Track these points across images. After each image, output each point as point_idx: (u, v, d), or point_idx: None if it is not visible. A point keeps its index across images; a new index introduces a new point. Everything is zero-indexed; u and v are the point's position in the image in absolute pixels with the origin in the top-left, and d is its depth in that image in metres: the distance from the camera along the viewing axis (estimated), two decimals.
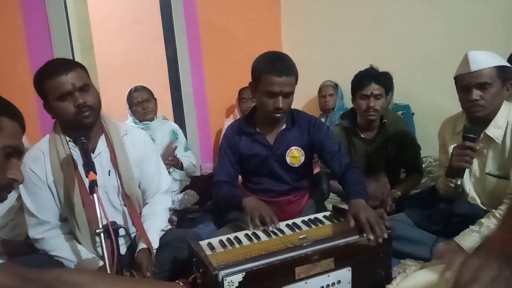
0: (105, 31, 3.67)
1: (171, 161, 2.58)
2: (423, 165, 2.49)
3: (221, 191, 1.82)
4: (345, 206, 1.63)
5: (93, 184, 1.28)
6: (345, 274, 1.33)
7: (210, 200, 2.71)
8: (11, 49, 2.45)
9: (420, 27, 2.93)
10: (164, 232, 1.73)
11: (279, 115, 1.73)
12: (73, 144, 1.57)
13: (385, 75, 2.21)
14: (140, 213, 1.73)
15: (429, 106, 2.91)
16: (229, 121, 3.25)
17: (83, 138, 1.42)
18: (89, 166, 1.33)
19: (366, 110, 2.13)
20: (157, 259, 1.55)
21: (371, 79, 2.14)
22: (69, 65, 1.53)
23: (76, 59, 2.70)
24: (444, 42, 2.78)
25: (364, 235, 1.36)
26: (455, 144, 1.73)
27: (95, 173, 1.32)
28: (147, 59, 3.58)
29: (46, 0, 2.50)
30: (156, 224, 1.69)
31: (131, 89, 2.85)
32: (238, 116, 3.19)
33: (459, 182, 1.66)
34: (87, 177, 1.31)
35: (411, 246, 1.75)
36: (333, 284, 1.31)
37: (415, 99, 2.99)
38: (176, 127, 2.99)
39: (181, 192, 2.72)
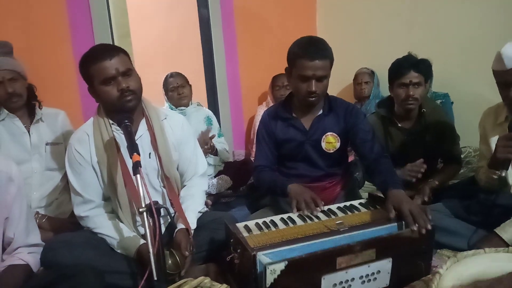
0: (142, 19, 3.74)
1: (207, 149, 2.63)
2: (462, 156, 2.42)
3: (262, 176, 1.85)
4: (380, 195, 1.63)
5: (137, 165, 1.31)
6: (385, 264, 1.32)
7: (243, 185, 2.76)
8: (55, 36, 2.55)
9: (460, 12, 2.82)
10: (201, 213, 1.78)
11: (312, 99, 1.74)
12: (116, 127, 1.64)
13: (425, 63, 2.15)
14: (178, 194, 1.78)
15: (469, 95, 2.81)
16: (262, 109, 3.27)
17: (126, 121, 1.47)
18: (133, 148, 1.37)
19: (405, 99, 2.09)
20: (194, 240, 1.59)
21: (410, 67, 2.09)
22: (113, 50, 1.58)
23: None
24: (486, 27, 2.67)
25: (405, 227, 1.35)
26: (497, 135, 1.67)
27: (139, 154, 1.36)
28: (182, 46, 3.63)
29: None
30: (193, 206, 1.74)
31: (167, 75, 2.91)
32: (271, 104, 3.19)
33: (503, 174, 1.61)
34: (131, 158, 1.35)
35: (449, 236, 1.72)
36: (373, 274, 1.31)
37: (455, 88, 2.89)
38: (210, 113, 3.04)
39: (215, 177, 2.77)
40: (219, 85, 3.33)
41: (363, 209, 1.54)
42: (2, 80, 2.00)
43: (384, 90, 3.24)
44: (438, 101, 2.80)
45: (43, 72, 2.38)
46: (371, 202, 1.61)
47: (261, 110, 3.26)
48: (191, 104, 2.95)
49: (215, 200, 2.64)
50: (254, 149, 3.19)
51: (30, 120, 2.14)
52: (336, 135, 1.82)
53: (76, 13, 2.59)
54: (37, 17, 2.46)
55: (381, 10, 3.33)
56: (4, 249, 1.42)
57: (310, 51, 1.67)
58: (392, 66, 2.17)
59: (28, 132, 2.12)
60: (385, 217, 1.45)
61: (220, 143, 2.96)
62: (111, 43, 2.74)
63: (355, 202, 1.61)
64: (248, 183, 2.74)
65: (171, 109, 2.84)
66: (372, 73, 3.27)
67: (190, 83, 2.95)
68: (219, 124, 3.20)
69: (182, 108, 2.87)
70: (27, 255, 1.42)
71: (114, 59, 1.54)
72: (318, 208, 1.52)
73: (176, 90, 2.85)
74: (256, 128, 3.21)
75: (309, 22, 3.69)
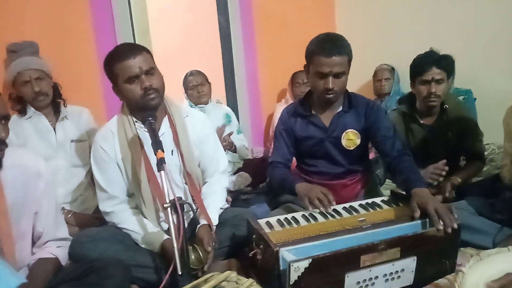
0: (161, 17, 3.78)
1: (225, 145, 2.65)
2: (486, 153, 2.38)
3: (275, 172, 1.87)
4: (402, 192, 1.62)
5: (161, 161, 1.34)
6: (410, 263, 1.32)
7: (263, 182, 2.77)
8: (79, 36, 2.60)
9: (484, 6, 2.76)
10: (223, 210, 1.80)
11: (330, 95, 1.73)
12: (140, 125, 1.67)
13: (447, 59, 2.11)
14: (200, 191, 1.81)
15: (493, 91, 2.75)
16: (280, 106, 3.27)
17: (150, 118, 1.50)
18: (157, 145, 1.40)
19: (427, 95, 2.06)
20: (216, 236, 1.61)
21: (432, 63, 2.05)
22: (137, 49, 1.61)
23: None
24: (510, 22, 2.60)
25: (429, 225, 1.34)
26: None
27: (163, 151, 1.38)
28: (201, 44, 3.65)
29: None
30: (215, 202, 1.76)
31: (186, 74, 2.95)
32: (290, 101, 3.19)
33: None
34: (155, 155, 1.37)
35: (473, 234, 1.69)
36: (397, 272, 1.31)
37: (478, 84, 2.83)
38: (229, 110, 3.07)
39: (234, 174, 2.79)
40: (238, 83, 3.34)
41: (385, 207, 1.53)
42: (29, 79, 2.06)
43: (405, 86, 3.20)
44: (461, 98, 2.75)
45: (67, 71, 2.44)
46: (393, 199, 1.60)
47: (280, 107, 3.26)
48: (211, 101, 2.97)
49: (234, 197, 2.65)
50: (272, 146, 3.23)
51: (55, 118, 2.20)
52: (357, 132, 1.81)
53: (98, 13, 2.64)
54: (61, 17, 2.52)
55: (402, 5, 3.28)
56: (34, 243, 1.47)
57: (326, 48, 1.66)
58: (414, 63, 2.14)
59: (54, 129, 2.17)
60: (408, 214, 1.44)
61: (239, 140, 2.97)
62: (133, 42, 2.79)
63: (377, 200, 1.60)
64: (267, 180, 2.75)
65: (191, 106, 2.87)
66: (392, 70, 3.23)
67: (209, 81, 2.98)
68: (238, 121, 3.22)
69: (202, 105, 2.90)
70: (56, 248, 1.47)
71: (138, 57, 1.57)
72: (331, 204, 1.52)
73: (196, 88, 2.88)
74: (275, 125, 3.25)
75: (328, 18, 3.67)
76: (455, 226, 1.34)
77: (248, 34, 3.31)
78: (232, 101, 3.39)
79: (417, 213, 1.39)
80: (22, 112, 2.13)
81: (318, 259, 1.19)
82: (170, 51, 3.68)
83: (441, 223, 1.34)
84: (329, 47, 1.66)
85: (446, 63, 2.08)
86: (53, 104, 2.19)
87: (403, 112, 2.23)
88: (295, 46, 3.45)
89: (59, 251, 1.47)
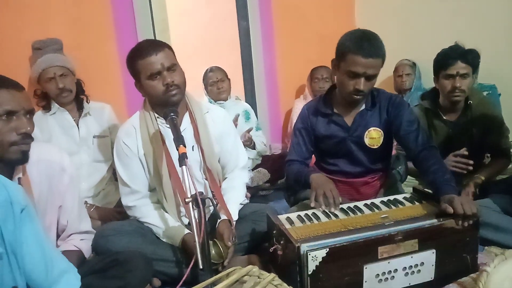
0: (180, 14, 3.80)
1: (245, 141, 2.65)
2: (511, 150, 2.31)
3: (291, 169, 1.84)
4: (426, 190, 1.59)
5: (183, 156, 1.34)
6: (429, 256, 1.30)
7: (281, 179, 2.77)
8: (101, 33, 2.65)
9: None
10: (242, 205, 1.81)
11: (358, 97, 1.68)
12: (161, 120, 1.69)
13: (472, 53, 2.06)
14: (220, 186, 1.82)
15: None
16: (299, 102, 3.26)
17: (173, 114, 1.51)
18: (179, 140, 1.40)
19: (452, 90, 2.01)
20: (236, 231, 1.62)
21: (457, 57, 2.01)
22: (159, 46, 1.62)
23: None
24: None
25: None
26: None
27: (185, 146, 1.39)
28: (220, 40, 3.66)
29: None
30: (235, 197, 1.77)
31: (206, 70, 2.96)
32: (308, 97, 3.17)
33: None
34: (177, 150, 1.38)
35: (498, 233, 1.66)
36: (416, 265, 1.30)
37: (502, 79, 2.76)
38: (248, 107, 3.07)
39: (252, 170, 2.79)
40: (257, 79, 3.34)
41: (407, 204, 1.51)
42: (54, 76, 2.11)
43: (426, 82, 3.14)
44: (485, 93, 2.68)
45: (89, 68, 2.48)
46: (416, 196, 1.58)
47: (298, 103, 3.25)
48: (230, 98, 2.98)
49: (253, 193, 2.66)
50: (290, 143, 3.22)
51: (78, 113, 2.24)
52: (380, 130, 1.77)
53: (120, 11, 2.67)
54: (84, 15, 2.57)
55: None
56: (58, 236, 1.51)
57: (364, 47, 1.59)
58: (438, 57, 2.10)
59: (77, 125, 2.22)
60: (431, 212, 1.42)
61: (257, 137, 2.98)
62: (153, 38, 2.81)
63: (399, 197, 1.58)
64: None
65: (210, 103, 2.89)
66: (413, 65, 3.17)
67: (229, 77, 2.99)
68: (257, 117, 3.22)
69: (221, 102, 2.91)
70: (80, 241, 1.51)
71: (160, 54, 1.58)
72: (336, 205, 1.49)
73: (216, 85, 2.90)
74: (293, 121, 3.24)
75: (347, 13, 3.62)
76: (474, 210, 1.32)
77: (267, 29, 3.29)
78: (250, 97, 3.39)
79: (450, 210, 1.34)
80: (47, 108, 2.18)
81: (336, 249, 1.18)
82: (189, 47, 3.70)
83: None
84: (367, 47, 1.59)
85: (471, 57, 2.03)
86: (77, 100, 2.23)
87: (426, 108, 2.18)
88: (314, 41, 3.46)
89: (82, 244, 1.51)
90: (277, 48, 3.37)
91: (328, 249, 1.18)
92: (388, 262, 1.26)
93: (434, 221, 1.34)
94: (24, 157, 1.28)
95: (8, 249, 0.95)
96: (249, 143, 2.72)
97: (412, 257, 1.28)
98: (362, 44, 1.60)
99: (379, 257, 1.25)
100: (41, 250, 1.03)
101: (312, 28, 3.42)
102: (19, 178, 1.33)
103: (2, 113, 1.20)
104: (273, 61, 3.37)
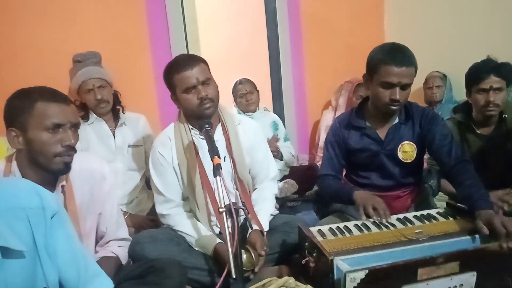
0: (211, 26, 3.89)
1: (272, 151, 2.68)
2: None
3: (327, 184, 1.84)
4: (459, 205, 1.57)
5: (218, 167, 1.37)
6: (469, 278, 1.28)
7: (309, 190, 2.78)
8: (136, 46, 2.75)
9: None
10: (273, 216, 1.83)
11: (395, 107, 1.68)
12: (195, 132, 1.74)
13: (506, 66, 2.02)
14: (250, 197, 1.84)
15: None
16: (328, 113, 3.26)
17: (207, 126, 1.55)
18: (214, 151, 1.43)
19: (485, 105, 1.98)
20: (267, 241, 1.65)
21: (490, 71, 1.98)
22: (194, 60, 1.68)
23: None
24: None
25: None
26: None
27: (219, 157, 1.43)
28: (249, 52, 3.71)
29: (166, 0, 2.75)
30: (266, 208, 1.79)
31: (236, 82, 3.02)
32: (341, 108, 3.13)
33: None
34: (212, 161, 1.41)
35: None
36: (455, 287, 1.28)
37: None
38: (276, 118, 3.11)
39: (280, 180, 2.81)
40: (285, 90, 3.36)
41: (441, 219, 1.50)
42: (92, 88, 2.21)
43: (458, 94, 3.09)
44: None
45: (125, 79, 2.57)
46: (450, 211, 1.56)
47: (327, 115, 3.25)
48: (258, 109, 3.03)
49: (281, 204, 2.68)
50: (318, 154, 3.22)
51: (115, 123, 2.33)
52: (413, 144, 1.76)
53: (155, 25, 2.77)
54: (121, 29, 2.67)
55: (455, 9, 3.17)
56: (96, 242, 1.57)
57: (396, 57, 1.61)
58: (470, 71, 2.07)
59: (113, 134, 2.31)
60: (466, 228, 1.40)
61: (286, 148, 3.00)
62: (186, 52, 2.89)
63: (432, 211, 1.57)
64: (315, 188, 2.75)
65: (239, 114, 2.94)
66: (444, 77, 3.13)
67: (257, 88, 3.03)
68: (285, 128, 3.24)
69: (250, 113, 2.96)
70: (117, 248, 1.56)
71: (195, 69, 1.64)
72: (387, 217, 1.50)
73: (245, 97, 2.95)
74: (321, 132, 3.24)
75: (376, 24, 3.62)
76: None
77: (296, 41, 3.33)
78: (278, 108, 3.42)
79: (486, 231, 1.32)
80: (85, 118, 2.27)
81: (375, 270, 1.18)
82: (218, 58, 3.77)
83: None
84: (399, 56, 1.62)
85: (505, 71, 2.00)
86: (113, 111, 2.32)
87: (459, 122, 2.15)
88: (343, 53, 3.46)
89: (120, 250, 1.56)
90: (306, 60, 3.40)
91: (367, 271, 1.17)
92: (427, 284, 1.24)
93: (476, 243, 1.31)
94: (66, 168, 1.34)
95: (40, 251, 1.00)
96: (276, 154, 2.75)
97: (451, 279, 1.26)
98: (394, 54, 1.63)
99: (418, 279, 1.23)
100: (73, 252, 1.07)
101: (341, 39, 3.43)
102: (62, 186, 1.40)
103: (50, 126, 1.26)
104: (301, 73, 3.39)
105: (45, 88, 1.33)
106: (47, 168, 1.31)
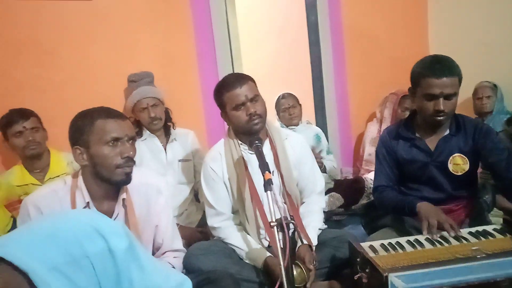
0: (253, 42, 3.99)
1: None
2: None
3: (385, 195, 1.82)
4: None
5: (269, 182, 1.40)
6: None
7: (355, 204, 2.76)
8: (184, 64, 2.88)
9: None
10: (321, 230, 1.84)
11: (440, 118, 1.67)
12: (244, 147, 1.80)
13: None
14: (298, 210, 1.87)
15: None
16: (372, 125, 3.23)
17: (257, 142, 1.61)
18: (265, 166, 1.48)
19: None
20: (316, 256, 1.65)
21: None
22: (243, 79, 1.76)
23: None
24: None
25: None
26: None
27: (270, 172, 1.47)
28: (292, 66, 3.77)
29: (213, 20, 2.88)
30: (314, 222, 1.81)
31: (279, 96, 3.07)
32: (387, 121, 3.11)
33: None
34: (263, 176, 1.45)
35: None
36: None
37: None
38: (319, 131, 3.12)
39: (325, 194, 2.81)
40: (328, 103, 3.38)
41: (499, 236, 1.45)
42: (146, 106, 2.33)
43: (510, 104, 2.98)
44: None
45: (175, 97, 2.69)
46: (508, 228, 1.50)
47: (371, 127, 3.23)
48: (301, 122, 3.06)
49: (327, 218, 2.67)
50: (363, 167, 3.19)
51: (166, 139, 2.44)
52: (464, 157, 1.73)
53: (202, 44, 2.90)
54: (171, 49, 2.82)
55: (503, 16, 3.08)
56: (153, 253, 1.65)
57: (436, 68, 1.63)
58: None
59: (165, 149, 2.42)
60: None
61: (329, 161, 3.00)
62: (232, 69, 2.99)
63: (488, 228, 1.52)
64: (364, 202, 2.72)
65: (282, 127, 2.98)
66: (494, 87, 3.02)
67: (300, 102, 3.07)
68: (328, 141, 3.25)
69: (293, 127, 2.99)
70: (173, 259, 1.63)
71: (244, 87, 1.71)
72: (454, 231, 1.46)
73: (288, 111, 2.99)
74: (366, 145, 3.22)
75: (420, 35, 3.56)
76: None
77: (338, 54, 3.34)
78: (321, 121, 3.44)
79: None
80: (139, 134, 2.40)
81: None
82: (260, 73, 3.85)
83: None
84: (439, 68, 1.63)
85: None
86: (165, 127, 2.44)
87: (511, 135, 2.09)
88: (386, 65, 3.44)
89: (175, 261, 1.63)
90: (348, 72, 3.40)
91: None
92: None
93: None
94: (127, 178, 1.43)
95: None
96: (320, 165, 2.75)
97: None
98: (433, 66, 1.64)
99: None
100: (150, 278, 0.97)
101: (384, 52, 3.41)
102: (123, 199, 1.49)
103: (109, 140, 1.38)
104: (344, 85, 3.40)
105: (102, 107, 1.44)
106: (110, 180, 1.41)
